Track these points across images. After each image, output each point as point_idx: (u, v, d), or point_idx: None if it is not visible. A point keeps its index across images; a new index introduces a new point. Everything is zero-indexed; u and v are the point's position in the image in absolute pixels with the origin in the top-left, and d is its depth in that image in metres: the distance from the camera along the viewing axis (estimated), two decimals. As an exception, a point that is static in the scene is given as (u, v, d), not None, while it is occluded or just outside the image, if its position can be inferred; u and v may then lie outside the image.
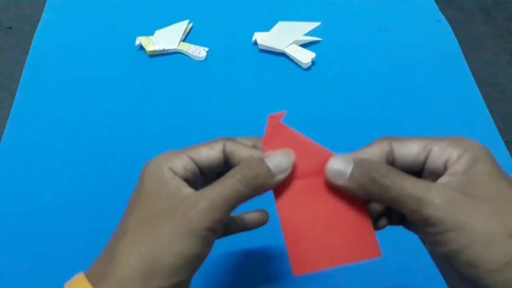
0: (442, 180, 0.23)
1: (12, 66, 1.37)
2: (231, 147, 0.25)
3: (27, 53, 0.57)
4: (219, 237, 0.28)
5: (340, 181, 0.24)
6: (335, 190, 0.25)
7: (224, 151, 0.25)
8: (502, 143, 0.49)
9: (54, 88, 0.53)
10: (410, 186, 0.22)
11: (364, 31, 0.61)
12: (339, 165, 0.24)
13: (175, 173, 0.24)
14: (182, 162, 0.24)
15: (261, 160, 0.24)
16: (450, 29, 0.62)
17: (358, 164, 0.24)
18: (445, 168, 0.23)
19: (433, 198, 0.21)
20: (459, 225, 0.20)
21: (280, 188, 0.25)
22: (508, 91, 1.38)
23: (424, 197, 0.21)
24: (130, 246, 0.22)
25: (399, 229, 0.27)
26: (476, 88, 0.55)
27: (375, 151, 0.25)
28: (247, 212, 0.30)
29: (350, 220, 0.24)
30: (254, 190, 0.23)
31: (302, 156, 0.25)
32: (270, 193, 0.25)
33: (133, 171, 0.27)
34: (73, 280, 0.22)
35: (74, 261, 0.30)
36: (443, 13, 0.64)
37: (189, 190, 0.24)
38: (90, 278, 0.22)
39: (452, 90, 0.55)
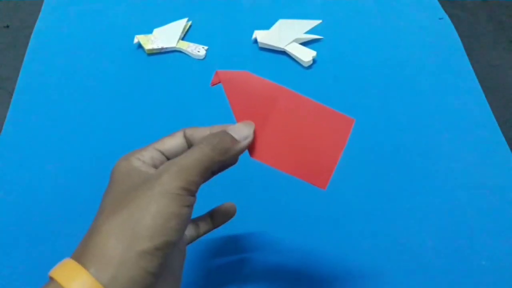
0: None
1: (9, 65, 1.36)
2: (189, 131, 0.27)
3: (24, 52, 0.57)
4: (190, 241, 0.31)
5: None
6: (313, 122, 0.28)
7: (185, 137, 0.27)
8: (504, 142, 0.49)
9: (52, 87, 0.53)
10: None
11: (365, 29, 0.61)
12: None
13: (143, 162, 0.26)
14: (148, 153, 0.26)
15: (224, 131, 0.26)
16: (452, 27, 0.61)
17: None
18: None
19: None
20: None
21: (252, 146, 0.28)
22: (511, 90, 1.37)
23: None
24: (108, 219, 0.23)
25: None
26: (478, 86, 0.54)
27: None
28: (213, 209, 0.32)
29: (316, 149, 0.27)
30: (221, 154, 0.25)
31: (259, 92, 0.28)
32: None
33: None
34: (59, 264, 0.23)
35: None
36: (445, 10, 0.64)
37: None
38: (74, 257, 0.22)
39: (454, 88, 0.54)
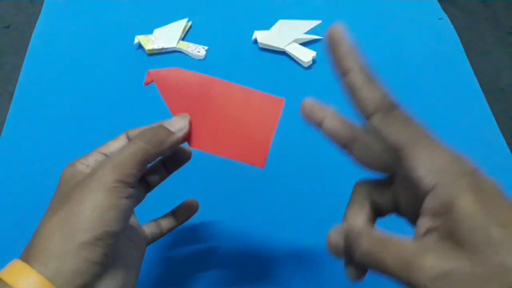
0: (422, 229, 0.21)
1: (10, 64, 1.37)
2: (131, 132, 0.29)
3: (25, 52, 0.57)
4: (152, 240, 0.32)
5: (338, 254, 0.24)
6: (245, 106, 0.29)
7: (128, 138, 0.29)
8: (504, 143, 0.49)
9: (53, 87, 0.53)
10: (393, 255, 0.21)
11: (365, 29, 0.61)
12: (334, 239, 0.24)
13: (87, 165, 0.27)
14: (92, 157, 0.27)
15: (159, 125, 0.27)
16: (452, 28, 0.61)
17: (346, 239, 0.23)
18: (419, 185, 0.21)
19: (420, 263, 0.20)
20: None
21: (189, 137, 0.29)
22: (511, 90, 1.37)
23: (409, 266, 0.20)
24: (49, 218, 0.24)
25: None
26: (478, 87, 0.54)
27: (359, 218, 0.25)
28: (176, 207, 0.34)
29: (250, 131, 0.29)
30: (156, 146, 0.26)
31: (191, 86, 0.29)
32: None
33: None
34: (7, 266, 0.23)
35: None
36: (445, 11, 0.64)
37: None
38: (21, 258, 0.23)
39: (454, 88, 0.54)
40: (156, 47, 0.56)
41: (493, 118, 0.51)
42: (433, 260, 0.20)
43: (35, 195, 0.43)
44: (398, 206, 0.24)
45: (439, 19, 0.63)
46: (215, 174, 0.45)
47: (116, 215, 0.24)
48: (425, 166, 0.21)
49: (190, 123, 0.29)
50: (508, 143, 0.49)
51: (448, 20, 0.62)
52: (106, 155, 0.28)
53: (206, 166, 0.44)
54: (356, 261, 0.22)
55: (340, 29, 0.24)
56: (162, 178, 0.32)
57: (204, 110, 0.29)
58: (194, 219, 0.35)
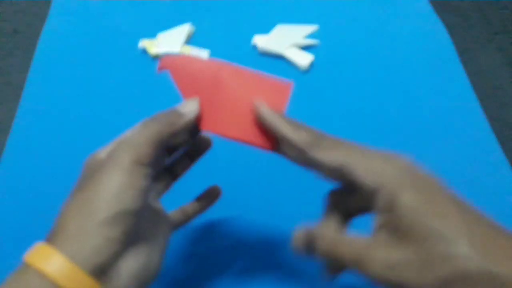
0: (375, 226, 0.25)
1: (17, 69, 1.38)
2: (147, 119, 0.29)
3: (32, 56, 0.58)
4: (179, 225, 0.33)
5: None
6: (255, 90, 0.30)
7: None
8: (497, 145, 0.50)
9: (59, 91, 0.54)
10: (347, 252, 0.24)
11: (361, 34, 0.62)
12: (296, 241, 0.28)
13: (108, 153, 0.27)
14: (111, 146, 0.28)
15: (170, 109, 0.29)
16: (445, 30, 0.63)
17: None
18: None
19: (372, 257, 0.23)
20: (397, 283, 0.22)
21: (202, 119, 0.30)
22: (504, 94, 1.38)
23: (362, 260, 0.23)
24: (70, 201, 0.25)
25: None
26: (471, 90, 0.55)
27: (330, 223, 0.29)
28: (198, 195, 0.35)
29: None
30: (169, 126, 0.27)
31: (202, 71, 0.30)
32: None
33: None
34: (31, 248, 0.24)
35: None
36: (438, 14, 0.65)
37: None
38: (46, 240, 0.24)
39: (446, 91, 0.55)
40: (160, 51, 0.57)
41: (485, 118, 0.52)
42: (382, 253, 0.23)
43: (41, 195, 0.45)
44: (365, 207, 0.27)
45: (433, 23, 0.64)
46: (229, 167, 0.47)
47: (134, 194, 0.25)
48: (365, 173, 0.25)
49: (201, 106, 0.30)
50: (500, 143, 0.50)
51: (441, 23, 0.64)
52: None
53: (223, 159, 0.46)
54: (320, 258, 0.26)
55: (263, 109, 0.28)
56: (187, 167, 0.34)
57: (214, 94, 0.30)
58: (206, 214, 0.36)
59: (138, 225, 0.25)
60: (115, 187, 0.24)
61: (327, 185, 0.29)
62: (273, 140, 0.29)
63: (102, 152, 0.28)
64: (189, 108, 0.29)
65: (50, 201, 0.43)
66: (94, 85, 0.55)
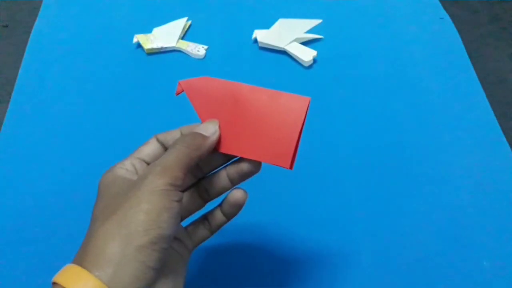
0: None
1: (8, 64, 1.36)
2: (161, 136, 0.30)
3: (23, 51, 0.57)
4: (202, 241, 0.31)
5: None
6: (271, 108, 0.30)
7: (159, 142, 0.30)
8: (506, 142, 0.49)
9: (51, 87, 0.53)
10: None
11: (366, 28, 0.60)
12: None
13: (126, 169, 0.28)
14: (129, 162, 0.28)
15: (193, 131, 0.29)
16: (453, 27, 0.61)
17: None
18: None
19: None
20: None
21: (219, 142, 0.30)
22: (512, 90, 1.37)
23: None
24: (103, 223, 0.24)
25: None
26: (479, 87, 0.54)
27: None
28: (222, 200, 0.32)
29: (276, 131, 0.29)
30: (196, 150, 0.27)
31: (218, 92, 0.30)
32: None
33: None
34: (61, 270, 0.23)
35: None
36: (446, 10, 0.64)
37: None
38: (75, 262, 0.23)
39: (455, 88, 0.54)
40: (155, 46, 0.56)
41: (494, 118, 0.51)
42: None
43: (34, 194, 0.43)
44: None
45: (440, 18, 0.62)
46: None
47: (169, 218, 0.24)
48: None
49: (219, 128, 0.30)
50: (509, 142, 0.49)
51: (449, 19, 0.62)
52: (142, 159, 0.29)
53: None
54: None
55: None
56: (224, 190, 0.31)
57: (231, 115, 0.30)
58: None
59: (168, 251, 0.25)
60: (152, 211, 0.24)
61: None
62: (289, 157, 0.29)
63: (119, 169, 0.27)
64: (211, 130, 0.29)
65: (47, 200, 0.43)
66: (87, 81, 0.53)
